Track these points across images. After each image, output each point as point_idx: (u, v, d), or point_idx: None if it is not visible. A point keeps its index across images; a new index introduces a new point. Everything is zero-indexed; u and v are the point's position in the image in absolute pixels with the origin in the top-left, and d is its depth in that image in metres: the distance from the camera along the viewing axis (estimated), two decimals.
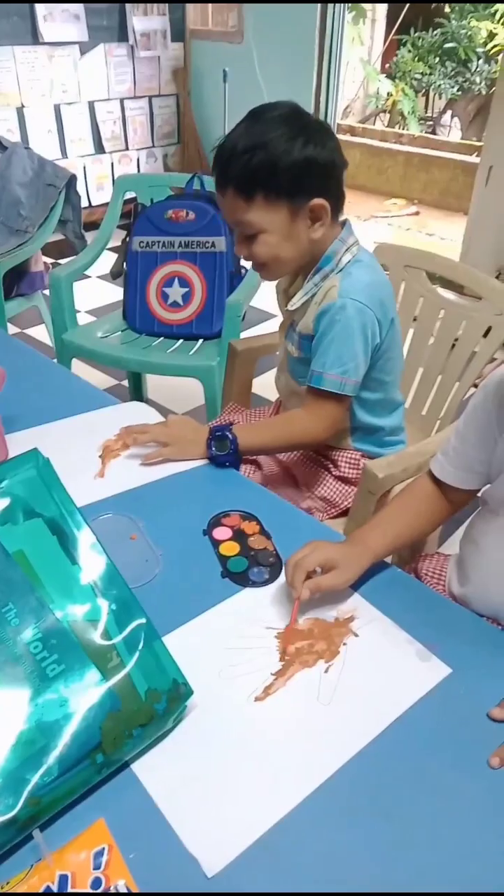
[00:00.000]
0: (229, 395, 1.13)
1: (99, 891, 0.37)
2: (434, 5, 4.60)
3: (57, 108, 2.72)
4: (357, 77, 4.82)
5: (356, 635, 0.54)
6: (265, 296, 1.46)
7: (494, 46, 4.36)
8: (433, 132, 4.79)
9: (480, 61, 4.56)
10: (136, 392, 1.75)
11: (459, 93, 4.73)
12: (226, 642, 0.53)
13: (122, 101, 2.93)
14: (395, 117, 4.85)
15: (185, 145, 3.25)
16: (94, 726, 0.42)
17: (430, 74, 4.70)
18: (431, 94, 4.94)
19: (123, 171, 3.02)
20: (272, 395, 1.01)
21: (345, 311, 0.73)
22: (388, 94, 4.72)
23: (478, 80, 4.61)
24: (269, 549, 0.63)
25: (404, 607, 0.57)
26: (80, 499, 0.50)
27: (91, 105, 2.83)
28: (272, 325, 2.17)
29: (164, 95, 3.10)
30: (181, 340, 1.47)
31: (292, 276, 0.83)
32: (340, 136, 0.76)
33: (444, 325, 1.03)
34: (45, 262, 1.84)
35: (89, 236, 1.73)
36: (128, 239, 1.48)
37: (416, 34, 4.71)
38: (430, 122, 4.97)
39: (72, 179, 1.75)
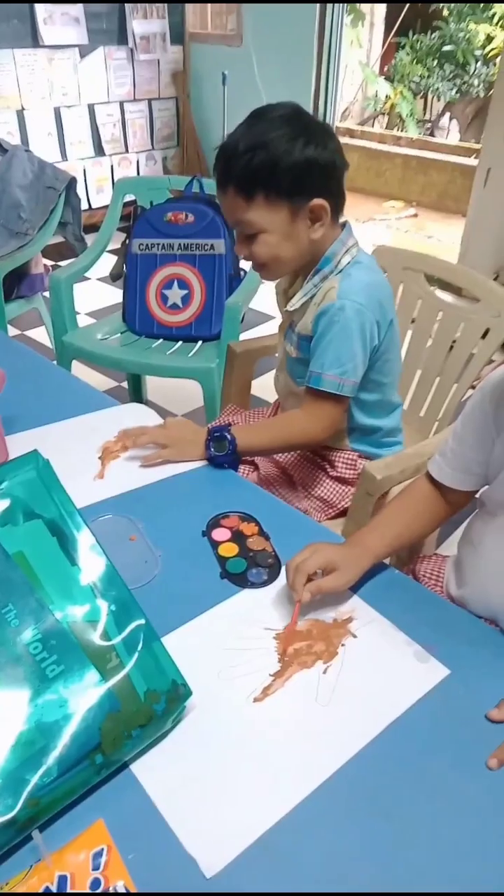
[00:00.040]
0: (228, 396, 1.13)
1: (98, 891, 0.37)
2: (432, 9, 4.62)
3: (57, 111, 2.73)
4: (356, 80, 4.83)
5: (354, 636, 0.54)
6: (264, 298, 1.46)
7: (492, 49, 4.38)
8: (431, 134, 4.81)
9: (478, 64, 4.59)
10: (136, 394, 1.76)
11: (458, 95, 4.75)
12: (224, 643, 0.53)
13: (121, 103, 2.94)
14: (393, 120, 4.87)
15: (185, 148, 3.26)
16: (93, 727, 0.42)
17: (429, 77, 4.72)
18: (430, 96, 4.96)
19: (123, 173, 3.03)
20: (271, 396, 1.01)
21: (344, 312, 0.73)
22: (386, 96, 4.74)
23: (476, 82, 4.63)
24: (268, 550, 0.63)
25: (403, 608, 0.57)
26: (79, 500, 0.50)
27: (91, 108, 2.84)
28: (271, 327, 2.17)
29: (163, 98, 3.11)
30: (180, 342, 1.47)
31: (292, 277, 0.84)
32: (339, 139, 0.76)
33: (442, 327, 1.04)
34: (45, 265, 1.84)
35: (89, 238, 1.73)
36: (127, 241, 1.49)
37: (415, 37, 4.74)
38: (429, 125, 4.99)
39: (72, 182, 1.76)
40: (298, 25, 2.67)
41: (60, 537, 0.47)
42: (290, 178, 0.69)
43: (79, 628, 0.45)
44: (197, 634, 0.54)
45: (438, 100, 4.93)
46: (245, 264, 1.20)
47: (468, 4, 4.48)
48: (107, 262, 1.61)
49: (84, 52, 2.70)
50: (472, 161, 3.56)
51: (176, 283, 1.46)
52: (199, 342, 1.47)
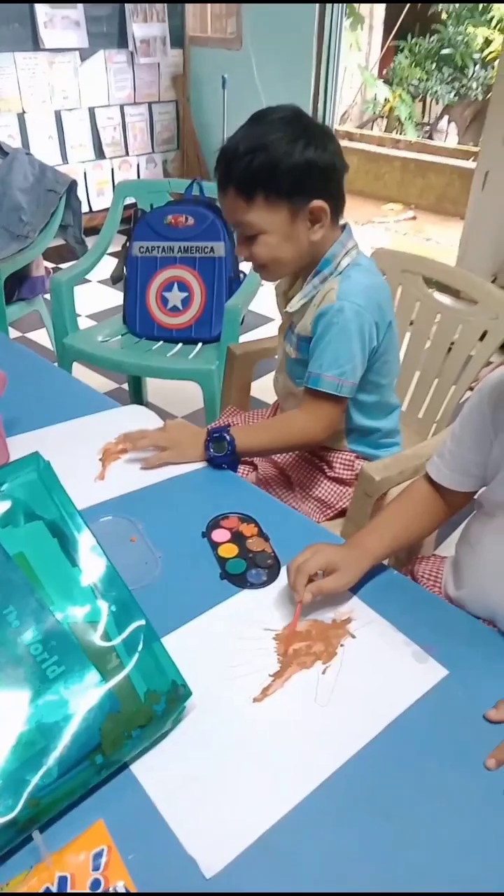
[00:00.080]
0: (228, 398, 1.14)
1: (98, 891, 0.37)
2: (431, 12, 4.64)
3: (57, 114, 2.74)
4: (355, 83, 4.85)
5: (353, 637, 0.54)
6: (263, 300, 1.47)
7: (490, 52, 4.40)
8: (430, 137, 4.83)
9: (477, 67, 4.61)
10: (136, 395, 1.76)
11: (456, 98, 4.77)
12: (224, 644, 0.54)
13: (122, 107, 2.96)
14: (392, 123, 4.89)
15: (185, 151, 3.27)
16: (93, 727, 0.42)
17: (427, 80, 4.75)
18: (428, 99, 4.98)
19: (123, 176, 3.04)
20: (270, 397, 1.02)
21: (343, 314, 0.74)
22: (385, 99, 4.75)
23: (474, 85, 4.65)
24: (268, 551, 0.63)
25: (401, 609, 0.57)
26: (80, 501, 0.50)
27: (91, 111, 2.85)
28: (270, 329, 2.18)
29: (163, 102, 3.12)
30: (180, 344, 1.48)
31: (292, 279, 0.84)
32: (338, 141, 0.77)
33: (440, 329, 1.04)
34: (46, 267, 1.85)
35: (90, 241, 1.74)
36: (128, 244, 1.49)
37: (414, 40, 4.76)
38: (427, 128, 5.01)
39: (72, 185, 1.76)
40: (298, 29, 2.69)
41: (61, 538, 0.48)
42: (290, 180, 0.69)
43: (79, 629, 0.45)
44: (197, 635, 0.54)
45: (437, 103, 4.95)
46: (245, 267, 1.20)
47: (467, 8, 4.51)
48: (107, 265, 1.62)
49: (84, 55, 2.72)
50: (470, 164, 3.57)
51: (176, 285, 1.47)
52: (199, 344, 1.47)
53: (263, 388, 1.24)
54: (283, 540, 0.64)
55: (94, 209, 2.93)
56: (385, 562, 0.63)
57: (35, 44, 2.55)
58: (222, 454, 0.75)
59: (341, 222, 0.78)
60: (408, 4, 4.63)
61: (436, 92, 4.74)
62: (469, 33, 4.49)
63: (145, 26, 2.86)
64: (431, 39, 4.70)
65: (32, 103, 2.64)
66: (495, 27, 4.39)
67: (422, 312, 1.06)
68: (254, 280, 1.44)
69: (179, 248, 1.44)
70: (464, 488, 0.63)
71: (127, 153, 3.05)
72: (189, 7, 2.99)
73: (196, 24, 3.07)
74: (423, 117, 5.06)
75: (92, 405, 0.87)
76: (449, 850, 0.41)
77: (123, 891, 0.38)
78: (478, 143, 2.68)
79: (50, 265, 1.94)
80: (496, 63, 3.52)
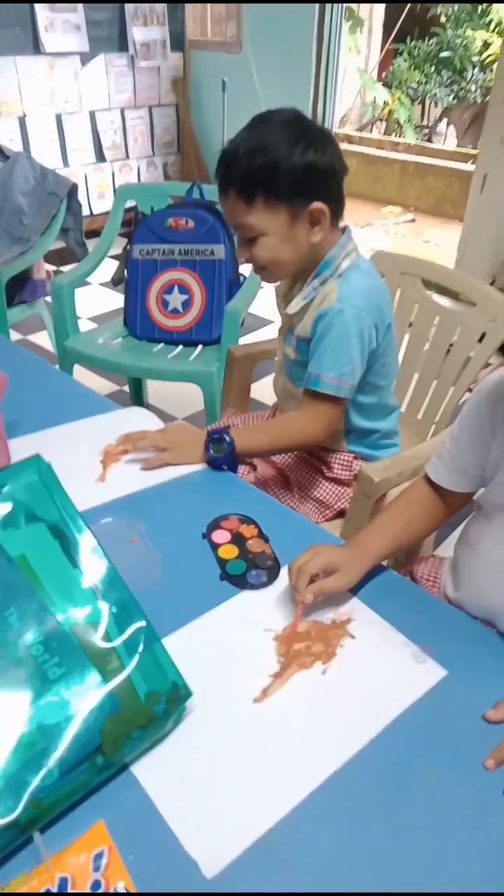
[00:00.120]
0: (228, 399, 1.14)
1: (98, 892, 0.38)
2: (430, 15, 4.66)
3: (58, 118, 2.75)
4: (354, 86, 4.87)
5: (353, 637, 0.55)
6: (263, 302, 1.48)
7: (489, 55, 4.42)
8: (429, 140, 4.84)
9: (475, 70, 4.62)
10: (137, 397, 1.77)
11: (455, 101, 4.78)
12: (224, 644, 0.54)
13: (122, 110, 2.97)
14: (391, 126, 4.90)
15: (185, 154, 3.28)
16: (94, 728, 0.43)
17: (426, 83, 4.76)
18: (427, 102, 5.00)
19: (124, 179, 3.05)
20: (270, 399, 1.02)
21: (342, 315, 0.74)
22: (384, 102, 4.77)
23: (473, 88, 4.67)
24: (267, 552, 0.63)
25: (400, 610, 0.57)
26: (81, 503, 0.51)
27: (92, 115, 2.86)
28: (270, 331, 2.18)
29: (163, 105, 3.13)
30: (181, 346, 1.48)
31: (292, 281, 0.85)
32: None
33: (439, 331, 1.04)
34: (47, 270, 1.85)
35: (90, 244, 1.75)
36: (128, 247, 1.50)
37: (412, 43, 4.78)
38: (426, 131, 5.02)
39: (73, 188, 1.77)
40: (297, 32, 2.70)
41: (62, 540, 0.48)
42: (290, 182, 0.70)
43: (80, 630, 0.45)
44: (197, 636, 0.54)
45: (436, 105, 4.97)
46: (244, 269, 1.21)
47: (465, 11, 4.53)
48: (108, 268, 1.62)
49: (85, 59, 2.73)
50: (469, 166, 3.58)
51: (176, 288, 1.47)
52: (200, 346, 1.48)
53: (263, 390, 1.25)
54: (283, 541, 0.65)
55: (94, 212, 2.94)
56: (384, 563, 0.63)
57: (36, 47, 2.56)
58: (222, 455, 0.75)
59: (341, 225, 0.79)
60: (406, 8, 4.65)
61: (435, 95, 4.76)
62: (468, 36, 4.51)
63: (145, 30, 2.87)
64: (430, 42, 4.72)
65: (33, 107, 2.65)
66: (494, 30, 4.41)
67: (421, 314, 1.06)
68: (253, 282, 1.45)
69: (180, 250, 1.45)
70: (462, 489, 0.64)
71: (127, 156, 3.06)
72: (189, 11, 3.01)
73: (196, 27, 3.09)
74: (422, 120, 5.08)
75: (93, 407, 0.88)
76: (448, 851, 0.41)
77: (124, 892, 0.38)
78: (476, 146, 2.69)
79: (51, 268, 1.95)
80: (495, 66, 3.54)
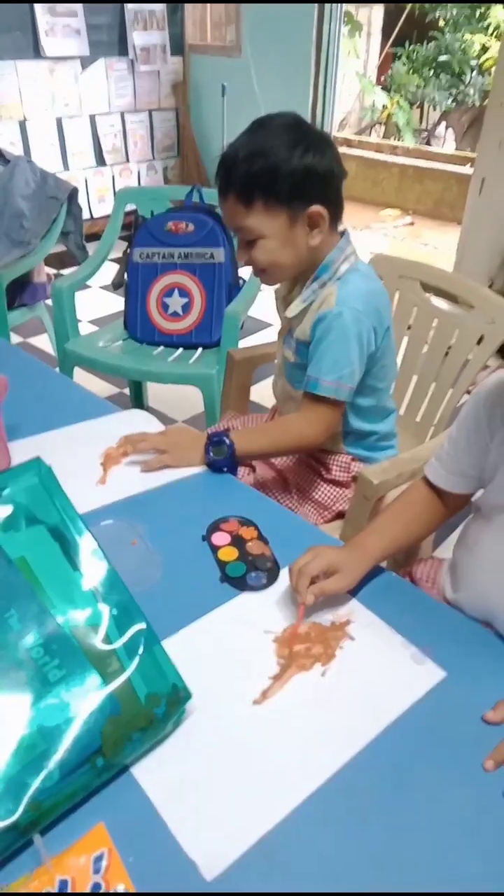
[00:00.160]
0: (228, 402, 1.15)
1: (99, 893, 0.38)
2: (428, 19, 4.69)
3: (59, 122, 2.76)
4: (353, 90, 4.89)
5: (352, 639, 0.55)
6: (263, 305, 1.48)
7: (487, 59, 4.44)
8: (428, 144, 4.86)
9: (474, 74, 4.65)
10: (137, 400, 1.77)
11: (453, 105, 4.80)
12: (224, 646, 0.54)
13: (122, 114, 2.98)
14: (390, 129, 4.92)
15: (185, 158, 3.29)
16: (94, 730, 0.43)
17: (425, 87, 4.78)
18: (426, 106, 5.02)
19: (124, 183, 3.06)
20: (269, 402, 1.02)
21: (341, 318, 0.75)
22: (383, 106, 4.79)
23: (471, 92, 4.69)
24: (267, 554, 0.64)
25: (399, 611, 0.57)
26: (81, 505, 0.51)
27: (92, 118, 2.88)
28: (269, 334, 2.19)
29: (163, 109, 3.15)
30: (181, 349, 1.49)
31: (291, 284, 0.85)
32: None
33: (437, 334, 1.05)
34: (47, 273, 1.86)
35: (91, 248, 1.75)
36: (129, 250, 1.50)
37: (411, 47, 4.80)
38: (425, 134, 5.05)
39: (73, 192, 1.78)
40: (296, 36, 2.71)
41: (62, 542, 0.48)
42: (289, 185, 0.70)
43: (80, 632, 0.45)
44: (197, 638, 0.55)
45: (434, 109, 4.99)
46: (244, 273, 1.21)
47: (464, 15, 4.55)
48: (108, 271, 1.63)
49: (85, 63, 2.74)
50: (467, 170, 3.60)
51: (176, 291, 1.48)
52: (200, 349, 1.48)
53: (263, 393, 1.25)
54: (283, 543, 0.65)
55: (94, 216, 2.95)
56: (383, 564, 0.64)
57: (36, 52, 2.57)
58: (222, 458, 0.75)
59: (340, 228, 0.79)
60: (405, 12, 4.68)
61: (433, 98, 4.78)
62: (466, 40, 4.54)
63: (145, 34, 2.89)
64: (429, 46, 4.74)
65: (34, 111, 2.66)
66: (492, 34, 4.43)
67: (419, 317, 1.06)
68: (253, 286, 1.45)
69: (180, 254, 1.46)
70: (461, 490, 0.64)
71: (127, 160, 3.08)
72: (188, 15, 3.03)
73: (196, 31, 3.10)
74: (420, 123, 5.10)
75: (93, 410, 0.88)
76: (447, 852, 0.41)
77: (124, 893, 0.38)
78: (475, 149, 2.70)
79: (51, 271, 1.95)
80: (493, 70, 3.56)
